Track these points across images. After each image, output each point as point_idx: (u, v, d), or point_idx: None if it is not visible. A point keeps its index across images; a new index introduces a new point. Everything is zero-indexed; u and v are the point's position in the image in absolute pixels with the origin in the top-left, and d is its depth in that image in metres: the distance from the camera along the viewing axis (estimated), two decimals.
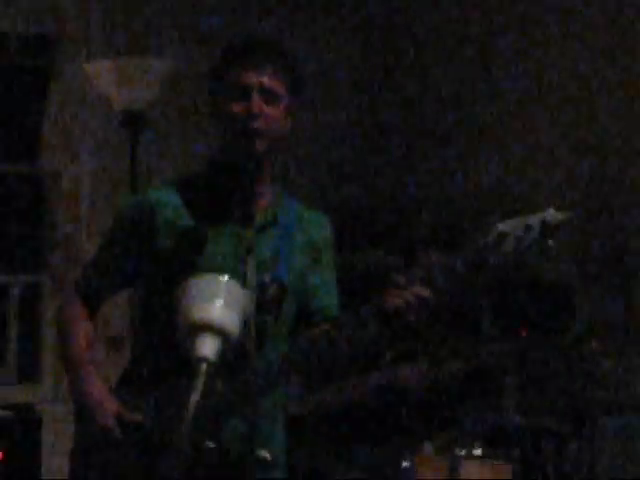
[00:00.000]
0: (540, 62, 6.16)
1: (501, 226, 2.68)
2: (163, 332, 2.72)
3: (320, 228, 3.05)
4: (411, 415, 4.65)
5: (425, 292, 2.71)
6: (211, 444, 2.76)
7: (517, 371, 4.80)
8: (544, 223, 2.67)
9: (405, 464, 4.51)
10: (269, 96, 2.85)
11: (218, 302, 2.36)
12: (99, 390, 2.97)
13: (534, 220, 2.71)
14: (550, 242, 2.74)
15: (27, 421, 3.62)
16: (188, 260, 2.76)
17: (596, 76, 5.92)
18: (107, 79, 4.44)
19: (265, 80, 2.85)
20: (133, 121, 4.36)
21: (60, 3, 5.22)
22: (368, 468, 4.67)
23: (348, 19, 6.23)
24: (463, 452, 4.24)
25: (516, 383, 4.77)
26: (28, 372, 5.50)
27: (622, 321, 5.30)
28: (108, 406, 2.93)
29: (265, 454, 2.91)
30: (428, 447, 4.43)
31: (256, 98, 2.84)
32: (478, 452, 4.30)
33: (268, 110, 2.86)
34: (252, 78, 2.85)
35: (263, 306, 2.79)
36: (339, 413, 4.77)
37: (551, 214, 2.66)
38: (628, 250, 5.30)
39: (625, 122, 5.58)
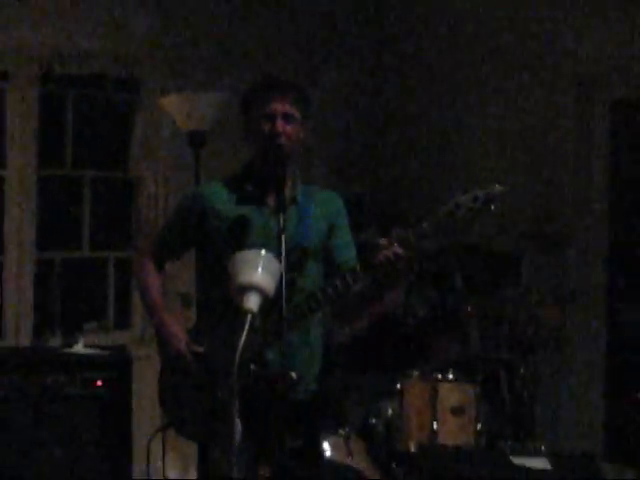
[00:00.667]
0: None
1: (456, 198, 3.04)
2: (219, 291, 3.14)
3: (332, 202, 3.44)
4: (400, 349, 4.90)
5: (399, 250, 3.14)
6: (255, 367, 3.29)
7: (479, 315, 4.95)
8: (488, 194, 3.09)
9: None
10: (288, 119, 3.37)
11: (259, 269, 2.58)
12: (173, 325, 3.40)
13: (481, 193, 3.10)
14: (492, 207, 3.11)
15: (121, 359, 3.72)
16: (236, 238, 3.16)
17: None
18: (176, 109, 4.64)
19: (286, 108, 3.37)
20: (196, 140, 4.59)
21: (141, 53, 5.35)
22: (370, 391, 4.75)
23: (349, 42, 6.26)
24: (440, 376, 4.41)
25: (478, 324, 4.92)
26: (122, 321, 5.65)
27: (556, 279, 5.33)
28: (181, 336, 3.40)
29: (293, 374, 3.39)
30: (414, 373, 4.50)
31: (279, 121, 3.37)
32: (451, 376, 4.47)
33: (288, 129, 3.38)
34: (277, 107, 3.38)
35: (290, 266, 3.21)
36: (349, 345, 4.91)
37: (494, 187, 3.03)
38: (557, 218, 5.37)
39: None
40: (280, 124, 3.26)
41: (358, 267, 3.16)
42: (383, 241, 3.11)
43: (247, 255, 2.69)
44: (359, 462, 4.18)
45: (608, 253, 5.55)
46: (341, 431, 4.25)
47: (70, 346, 3.91)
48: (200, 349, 3.34)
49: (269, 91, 3.32)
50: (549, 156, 5.58)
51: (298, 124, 3.32)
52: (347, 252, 3.41)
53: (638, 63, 5.14)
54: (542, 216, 5.32)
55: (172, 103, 4.74)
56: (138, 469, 4.38)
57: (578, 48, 5.40)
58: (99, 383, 3.59)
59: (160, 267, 3.51)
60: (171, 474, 5.28)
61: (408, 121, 6.29)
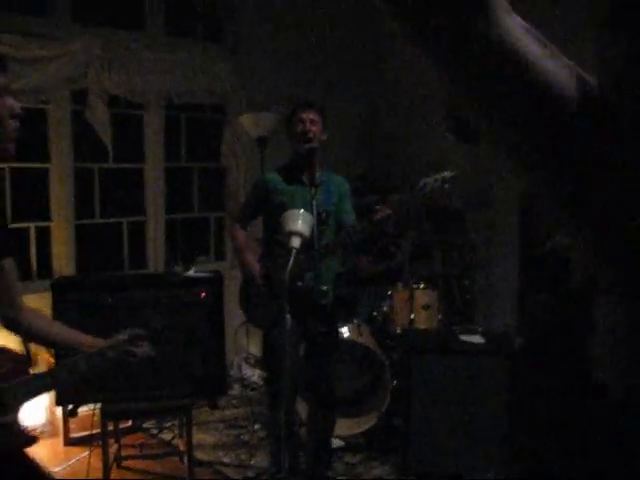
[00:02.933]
0: None
1: (424, 179, 3.12)
2: (274, 236, 3.29)
3: (342, 184, 3.47)
4: (391, 270, 5.03)
5: (388, 211, 3.18)
6: (300, 283, 3.34)
7: (440, 246, 4.97)
8: (444, 177, 3.12)
9: None
10: (313, 123, 3.37)
11: (299, 221, 2.48)
12: (251, 260, 3.48)
13: (439, 176, 3.15)
14: (446, 186, 3.16)
15: (217, 278, 3.68)
16: (285, 205, 3.25)
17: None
18: (249, 123, 4.65)
19: (311, 115, 3.36)
20: (261, 143, 4.58)
21: (226, 89, 5.39)
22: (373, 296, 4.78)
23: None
24: (415, 285, 4.41)
25: (440, 252, 4.96)
26: (220, 256, 5.78)
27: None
28: (255, 266, 3.45)
29: (323, 287, 3.42)
30: (399, 285, 4.53)
31: (308, 124, 3.35)
32: (422, 285, 4.45)
33: (313, 129, 3.37)
34: (306, 115, 3.37)
35: (320, 222, 3.30)
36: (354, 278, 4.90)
37: (447, 173, 3.14)
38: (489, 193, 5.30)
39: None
40: (308, 126, 3.29)
41: (357, 225, 3.21)
42: (379, 206, 3.13)
43: (292, 212, 2.59)
44: (366, 340, 4.18)
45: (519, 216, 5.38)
46: (354, 320, 4.25)
47: (187, 271, 3.90)
48: (263, 273, 3.40)
49: (301, 106, 3.35)
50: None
51: (320, 127, 3.33)
52: (348, 217, 3.43)
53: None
54: (478, 190, 5.20)
55: (246, 119, 4.71)
56: (229, 347, 4.36)
57: None
58: (203, 294, 3.57)
59: (244, 227, 3.55)
60: (252, 350, 5.39)
61: (397, 120, 6.14)
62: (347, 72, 6.04)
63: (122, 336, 2.31)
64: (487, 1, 0.55)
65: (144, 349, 2.32)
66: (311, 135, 3.29)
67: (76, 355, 2.14)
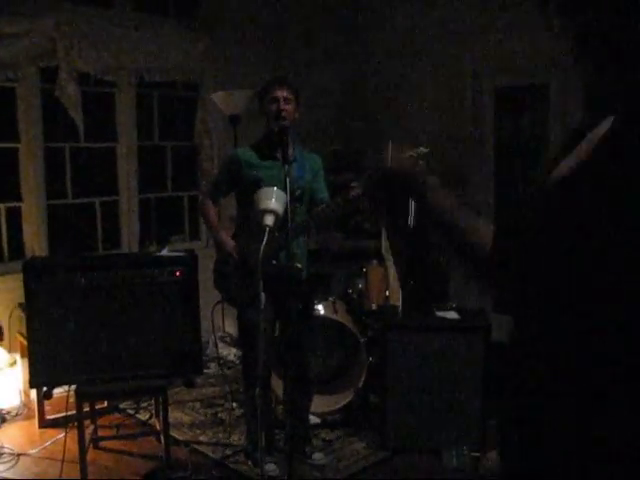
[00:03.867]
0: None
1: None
2: (248, 213, 3.21)
3: (315, 161, 3.43)
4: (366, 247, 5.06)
5: (359, 189, 3.16)
6: (274, 262, 3.32)
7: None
8: (418, 153, 3.10)
9: None
10: (287, 100, 3.33)
11: (273, 199, 2.57)
12: (225, 237, 3.45)
13: (414, 152, 3.13)
14: (420, 162, 3.15)
15: (191, 257, 3.57)
16: (259, 181, 3.24)
17: None
18: (222, 101, 4.62)
19: (285, 93, 3.32)
20: (234, 120, 4.55)
21: (199, 66, 5.32)
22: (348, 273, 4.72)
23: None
24: (389, 263, 4.42)
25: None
26: (194, 235, 5.70)
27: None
28: (230, 242, 3.42)
29: (298, 265, 3.40)
30: (374, 261, 4.49)
31: (281, 102, 3.32)
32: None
33: (287, 107, 3.34)
34: (280, 93, 3.33)
35: (293, 199, 3.24)
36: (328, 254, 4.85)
37: (422, 149, 3.11)
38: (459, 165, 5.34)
39: None
40: (282, 105, 3.25)
41: (331, 202, 3.19)
42: (354, 184, 3.11)
43: (265, 190, 2.65)
44: (341, 317, 4.17)
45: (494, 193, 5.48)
46: (329, 298, 4.23)
47: (160, 251, 3.87)
48: (238, 250, 3.38)
49: (274, 83, 3.31)
50: (454, 124, 5.46)
51: (293, 105, 3.31)
52: (322, 194, 3.41)
53: (515, 60, 4.98)
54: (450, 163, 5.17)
55: (219, 97, 4.67)
56: (205, 327, 4.34)
57: (474, 48, 5.23)
58: (178, 273, 3.52)
59: (215, 203, 3.52)
60: (228, 329, 5.37)
61: (370, 97, 6.11)
62: (324, 49, 5.96)
63: None
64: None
65: None
66: (284, 114, 3.26)
67: None
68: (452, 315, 3.71)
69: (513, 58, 4.97)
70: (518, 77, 5.18)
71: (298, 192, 3.32)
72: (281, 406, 3.98)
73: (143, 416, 4.28)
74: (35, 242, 4.76)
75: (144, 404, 4.40)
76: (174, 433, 3.90)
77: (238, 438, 3.89)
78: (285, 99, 3.28)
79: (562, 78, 4.89)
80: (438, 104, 5.54)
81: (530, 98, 5.21)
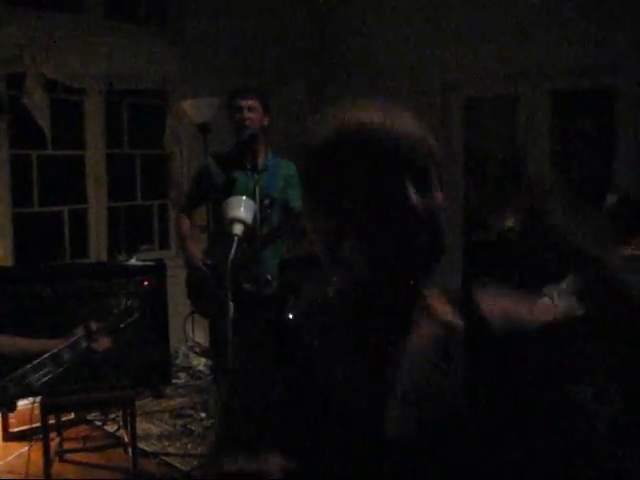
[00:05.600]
0: None
1: None
2: (219, 223, 3.18)
3: (289, 169, 3.42)
4: None
5: None
6: (243, 273, 3.29)
7: None
8: None
9: None
10: (251, 109, 3.33)
11: (242, 208, 2.56)
12: (195, 250, 3.44)
13: None
14: None
15: (159, 267, 3.53)
16: (227, 191, 3.27)
17: None
18: (191, 109, 4.55)
19: (249, 103, 3.32)
20: (203, 128, 4.45)
21: (170, 76, 5.27)
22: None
23: None
24: None
25: None
26: (164, 245, 5.67)
27: None
28: (199, 257, 3.41)
29: (267, 276, 3.39)
30: None
31: (245, 111, 3.31)
32: None
33: (250, 116, 3.34)
34: (243, 102, 3.33)
35: (263, 208, 3.26)
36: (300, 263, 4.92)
37: None
38: None
39: None
40: (245, 113, 3.27)
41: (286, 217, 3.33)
42: None
43: (234, 199, 2.63)
44: None
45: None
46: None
47: (129, 260, 3.84)
48: (209, 262, 3.36)
49: (238, 93, 3.32)
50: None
51: (260, 113, 3.31)
52: (294, 202, 3.39)
53: (484, 70, 4.97)
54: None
55: (189, 105, 4.62)
56: (176, 337, 4.32)
57: (443, 59, 5.19)
58: (146, 283, 3.49)
59: (189, 216, 3.52)
60: (198, 338, 5.32)
61: None
62: (295, 57, 5.94)
63: (79, 333, 2.20)
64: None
65: (103, 342, 2.23)
66: (248, 123, 3.26)
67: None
68: None
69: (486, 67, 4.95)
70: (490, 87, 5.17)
71: (268, 201, 3.31)
72: None
73: (111, 427, 4.23)
74: (0, 252, 4.66)
75: (112, 415, 4.33)
76: (142, 445, 3.84)
77: (208, 449, 3.84)
78: (249, 108, 3.29)
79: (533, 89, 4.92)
80: None
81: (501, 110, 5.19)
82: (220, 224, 3.21)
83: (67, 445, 3.88)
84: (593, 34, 4.37)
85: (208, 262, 3.43)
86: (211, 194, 3.38)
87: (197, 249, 3.47)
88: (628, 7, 4.28)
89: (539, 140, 4.95)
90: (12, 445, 3.95)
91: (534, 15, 4.69)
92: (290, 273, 4.30)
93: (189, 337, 5.22)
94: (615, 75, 4.45)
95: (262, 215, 3.14)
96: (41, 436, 3.31)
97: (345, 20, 5.91)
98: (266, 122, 3.35)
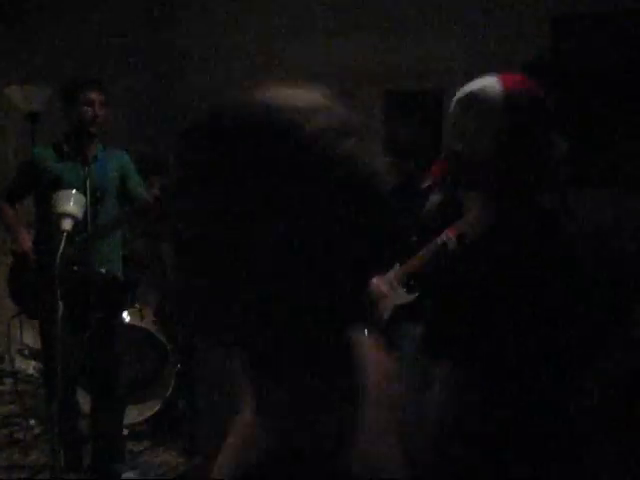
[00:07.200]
0: None
1: None
2: (47, 217, 3.01)
3: (121, 158, 3.33)
4: None
5: (157, 192, 3.16)
6: (75, 268, 3.16)
7: None
8: None
9: None
10: (101, 104, 3.20)
11: (71, 202, 2.51)
12: (23, 235, 3.27)
13: None
14: None
15: None
16: (58, 182, 3.12)
17: None
18: (18, 96, 4.34)
19: (101, 97, 3.20)
20: (33, 117, 4.28)
21: None
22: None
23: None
24: None
25: None
26: None
27: None
28: (26, 242, 3.24)
29: (102, 270, 3.28)
30: None
31: (97, 106, 3.18)
32: None
33: (102, 113, 3.22)
34: (96, 96, 3.20)
35: (95, 201, 3.17)
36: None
37: None
38: None
39: None
40: (98, 109, 3.17)
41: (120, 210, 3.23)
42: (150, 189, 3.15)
43: (63, 193, 2.59)
44: (148, 324, 4.08)
45: None
46: (136, 305, 4.12)
47: None
48: (34, 257, 3.22)
49: (88, 85, 3.20)
50: None
51: (104, 108, 3.23)
52: (138, 189, 3.34)
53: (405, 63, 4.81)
54: None
55: (14, 92, 4.38)
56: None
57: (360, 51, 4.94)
58: None
59: (12, 205, 3.34)
60: (27, 340, 5.03)
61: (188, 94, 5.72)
62: (134, 42, 5.70)
63: None
64: None
65: None
66: (100, 119, 3.17)
67: None
68: None
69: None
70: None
71: (99, 193, 3.23)
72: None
73: None
74: None
75: None
76: None
77: (37, 458, 3.65)
78: (101, 103, 3.18)
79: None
80: None
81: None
82: (46, 218, 3.08)
83: None
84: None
85: (34, 257, 3.26)
86: (38, 185, 3.21)
87: (27, 237, 3.29)
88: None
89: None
90: None
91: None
92: (125, 269, 4.22)
93: (16, 339, 4.91)
94: (445, 78, 4.59)
95: (94, 208, 3.10)
96: None
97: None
98: (104, 113, 3.26)
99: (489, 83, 1.53)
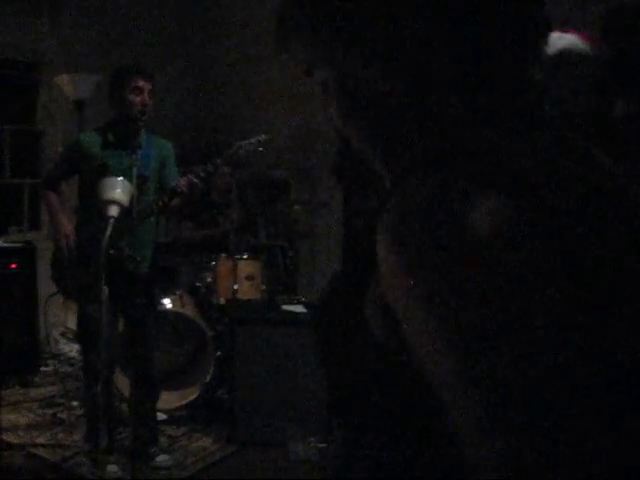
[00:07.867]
0: None
1: (239, 143, 3.19)
2: (90, 203, 3.07)
3: (165, 147, 3.34)
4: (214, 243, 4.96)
5: (194, 180, 3.17)
6: (112, 252, 3.18)
7: (266, 218, 5.02)
8: (259, 141, 3.21)
9: None
10: (150, 93, 3.22)
11: (118, 189, 2.55)
12: (64, 220, 3.31)
13: (254, 140, 3.22)
14: (260, 148, 3.23)
15: (28, 249, 3.55)
16: (104, 169, 3.16)
17: None
18: (67, 84, 4.39)
19: (149, 86, 3.22)
20: (80, 105, 4.36)
21: (43, 48, 5.10)
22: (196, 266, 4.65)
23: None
24: (239, 256, 4.33)
25: (265, 224, 4.95)
26: (35, 226, 5.47)
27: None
28: (67, 226, 3.29)
29: (138, 257, 3.30)
30: (223, 255, 4.40)
31: (146, 94, 3.21)
32: (245, 256, 4.38)
33: (151, 102, 3.25)
34: (144, 84, 3.22)
35: (138, 188, 3.19)
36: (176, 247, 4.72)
37: (262, 136, 3.23)
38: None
39: None
40: (146, 98, 3.18)
41: (156, 195, 3.24)
42: (184, 176, 3.17)
43: (110, 180, 2.61)
44: (189, 311, 4.10)
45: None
46: (177, 291, 4.15)
47: None
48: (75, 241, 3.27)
49: (138, 73, 3.21)
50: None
51: (152, 96, 3.25)
52: (172, 182, 3.32)
53: None
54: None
55: (64, 80, 4.44)
56: (46, 322, 4.15)
57: None
58: (14, 265, 3.36)
59: (55, 189, 3.38)
60: (70, 324, 5.13)
61: (220, 100, 5.98)
62: (175, 36, 5.79)
63: None
64: None
65: None
66: (148, 108, 3.18)
67: None
68: (300, 309, 3.75)
69: None
70: None
71: (142, 181, 3.25)
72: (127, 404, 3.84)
73: None
74: None
75: None
76: (8, 437, 3.64)
77: (79, 438, 3.71)
78: (149, 91, 3.20)
79: None
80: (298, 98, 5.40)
81: None
82: (90, 204, 3.11)
83: None
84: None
85: (78, 242, 3.31)
86: (83, 170, 3.25)
87: (68, 222, 3.34)
88: None
89: None
90: None
91: None
92: (166, 255, 4.28)
93: (60, 322, 5.02)
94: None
95: (137, 195, 3.11)
96: None
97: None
98: (151, 102, 3.28)
99: (573, 39, 1.52)
